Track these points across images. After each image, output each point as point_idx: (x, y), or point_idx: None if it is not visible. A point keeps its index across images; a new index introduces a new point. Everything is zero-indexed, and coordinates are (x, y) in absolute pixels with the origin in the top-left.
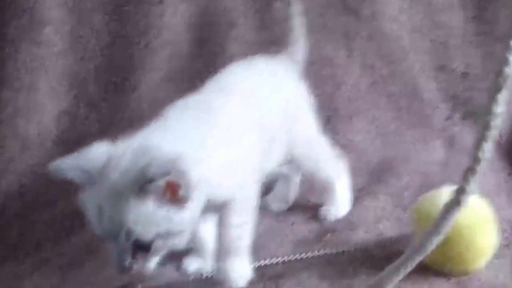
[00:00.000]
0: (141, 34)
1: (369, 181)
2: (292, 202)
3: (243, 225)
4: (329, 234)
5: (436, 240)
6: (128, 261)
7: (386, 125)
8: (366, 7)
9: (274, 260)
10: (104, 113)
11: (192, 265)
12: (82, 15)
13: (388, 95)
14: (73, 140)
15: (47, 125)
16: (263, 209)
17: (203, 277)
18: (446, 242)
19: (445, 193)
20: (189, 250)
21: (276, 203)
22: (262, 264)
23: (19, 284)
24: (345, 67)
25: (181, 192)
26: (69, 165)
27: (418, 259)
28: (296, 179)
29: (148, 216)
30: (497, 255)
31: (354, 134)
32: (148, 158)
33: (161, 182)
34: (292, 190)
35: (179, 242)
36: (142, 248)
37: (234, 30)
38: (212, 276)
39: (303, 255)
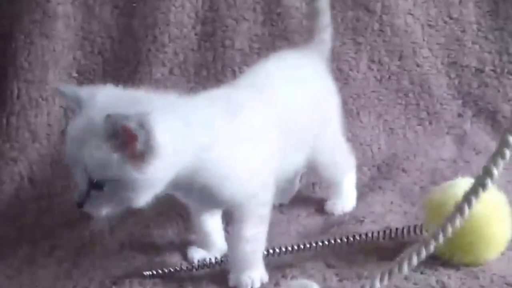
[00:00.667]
0: (148, 28)
1: (376, 176)
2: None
3: (257, 236)
4: (335, 227)
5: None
6: (82, 197)
7: (394, 121)
8: (377, 1)
9: (279, 250)
10: None
11: (198, 253)
12: (91, 10)
13: (397, 91)
14: None
15: (56, 117)
16: None
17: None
18: (455, 233)
19: (458, 184)
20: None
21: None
22: (268, 254)
23: (32, 268)
24: (354, 62)
25: (138, 147)
26: (71, 91)
27: (433, 246)
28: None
29: (102, 157)
30: (510, 247)
31: (361, 129)
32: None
33: (118, 126)
34: (294, 185)
35: (134, 199)
36: (96, 189)
37: (242, 25)
38: (217, 263)
39: (309, 245)
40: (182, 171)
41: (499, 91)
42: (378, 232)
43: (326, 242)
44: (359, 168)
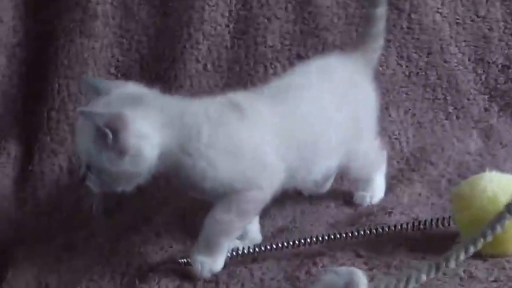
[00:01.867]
0: (183, 27)
1: (404, 168)
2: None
3: (228, 225)
4: (364, 218)
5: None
6: (82, 175)
7: (422, 115)
8: (406, 0)
9: (310, 240)
10: None
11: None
12: (129, 10)
13: (424, 86)
14: None
15: None
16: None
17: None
18: (483, 222)
19: (486, 178)
20: None
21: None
22: (299, 244)
23: (70, 255)
24: (383, 58)
25: (109, 143)
26: (92, 83)
27: (481, 243)
28: None
29: (86, 145)
30: None
31: (390, 123)
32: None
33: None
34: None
35: (113, 185)
36: (89, 170)
37: (274, 23)
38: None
39: (339, 235)
40: (159, 167)
41: None
42: (407, 224)
43: (356, 233)
44: (387, 160)
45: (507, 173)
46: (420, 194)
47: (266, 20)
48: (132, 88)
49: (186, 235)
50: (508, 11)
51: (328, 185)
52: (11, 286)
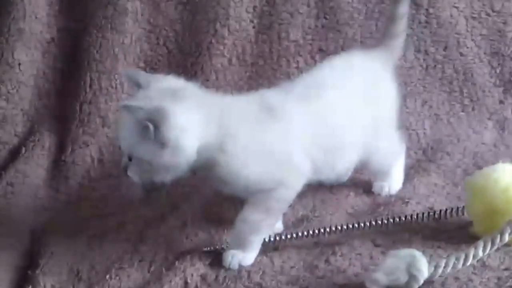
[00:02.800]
0: (209, 23)
1: (421, 159)
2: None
3: (259, 223)
4: (382, 207)
5: None
6: (124, 165)
7: (439, 107)
8: None
9: (330, 229)
10: None
11: None
12: (157, 6)
13: (441, 79)
14: None
15: None
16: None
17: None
18: (495, 213)
19: (499, 169)
20: None
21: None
22: (319, 233)
23: (101, 243)
24: (401, 51)
25: (149, 136)
26: (133, 75)
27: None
28: None
29: (128, 137)
30: None
31: (407, 115)
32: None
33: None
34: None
35: (153, 176)
36: (131, 161)
37: (297, 18)
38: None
39: (358, 225)
40: (197, 162)
41: None
42: (423, 214)
43: (373, 223)
44: (405, 151)
45: None
46: (436, 184)
47: (289, 16)
48: (172, 81)
49: (211, 224)
50: None
51: (348, 175)
52: (44, 273)
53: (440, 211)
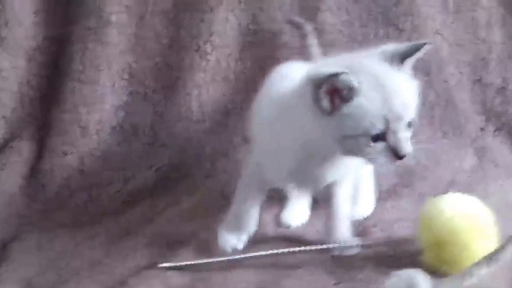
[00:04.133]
0: (193, 38)
1: (397, 183)
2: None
3: None
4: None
5: None
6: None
7: (419, 132)
8: (408, 20)
9: (285, 251)
10: (156, 107)
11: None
12: (144, 19)
13: (423, 104)
14: (127, 130)
15: (106, 115)
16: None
17: None
18: (441, 245)
19: (447, 199)
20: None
21: (293, 219)
22: (273, 254)
23: (76, 250)
24: None
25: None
26: None
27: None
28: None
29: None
30: None
31: None
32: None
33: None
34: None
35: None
36: None
37: (281, 37)
38: None
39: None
40: None
41: None
42: (377, 241)
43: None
44: (382, 174)
45: (496, 192)
46: (407, 210)
47: (273, 35)
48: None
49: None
50: (507, 34)
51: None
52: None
53: (394, 240)
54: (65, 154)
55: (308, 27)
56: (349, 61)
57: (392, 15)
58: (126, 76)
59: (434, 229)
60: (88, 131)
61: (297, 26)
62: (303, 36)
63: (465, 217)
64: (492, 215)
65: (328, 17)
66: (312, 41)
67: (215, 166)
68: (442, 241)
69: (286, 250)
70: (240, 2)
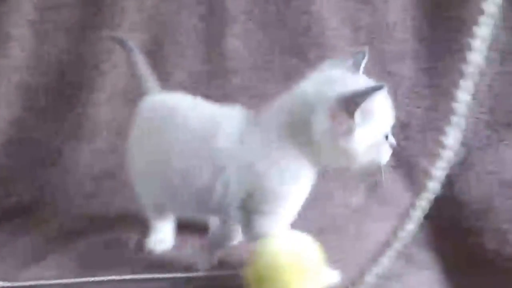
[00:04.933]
0: (93, 56)
1: None
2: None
3: None
4: None
5: None
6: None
7: None
8: (314, 50)
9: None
10: (50, 123)
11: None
12: (47, 35)
13: None
14: (20, 144)
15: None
16: None
17: None
18: (263, 281)
19: (280, 236)
20: None
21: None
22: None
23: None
24: None
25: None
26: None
27: None
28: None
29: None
30: None
31: None
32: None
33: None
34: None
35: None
36: None
37: (183, 61)
38: None
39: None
40: None
41: (421, 145)
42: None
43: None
44: None
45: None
46: None
47: (175, 57)
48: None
49: None
50: (418, 68)
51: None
52: None
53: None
54: None
55: (131, 44)
56: None
57: (301, 43)
58: (20, 92)
59: (257, 265)
60: None
61: (120, 43)
62: (128, 53)
63: (290, 255)
64: (321, 257)
65: (233, 43)
66: (138, 58)
67: (101, 187)
68: (263, 277)
69: (129, 277)
70: (143, 23)
